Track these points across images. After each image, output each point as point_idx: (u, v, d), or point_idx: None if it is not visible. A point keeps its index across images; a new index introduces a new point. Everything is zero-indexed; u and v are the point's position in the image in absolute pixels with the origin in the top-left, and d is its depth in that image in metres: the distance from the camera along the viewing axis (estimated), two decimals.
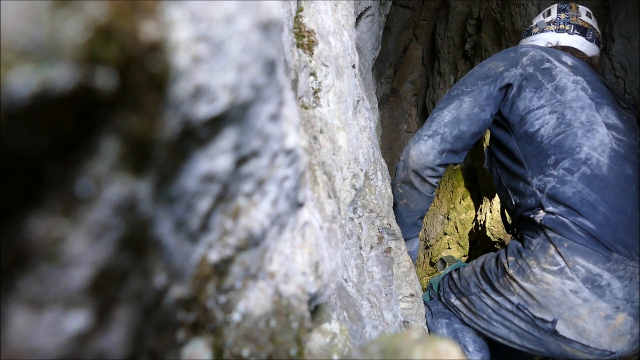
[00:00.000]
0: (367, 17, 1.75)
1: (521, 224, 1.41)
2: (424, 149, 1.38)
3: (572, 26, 1.58)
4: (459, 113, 1.38)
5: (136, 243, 0.23)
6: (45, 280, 0.19)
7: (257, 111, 0.30)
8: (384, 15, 2.18)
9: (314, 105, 0.74)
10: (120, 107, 0.20)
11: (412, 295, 1.25)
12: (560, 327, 1.20)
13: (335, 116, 0.77)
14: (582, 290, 1.16)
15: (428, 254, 2.97)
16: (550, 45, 1.57)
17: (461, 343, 1.46)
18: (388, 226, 1.11)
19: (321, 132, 0.71)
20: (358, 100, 0.97)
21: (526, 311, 1.25)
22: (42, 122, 0.18)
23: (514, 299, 1.27)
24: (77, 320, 0.20)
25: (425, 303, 1.56)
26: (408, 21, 3.31)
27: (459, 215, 2.86)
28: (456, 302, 1.48)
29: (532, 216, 1.29)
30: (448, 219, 2.96)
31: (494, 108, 1.39)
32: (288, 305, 0.37)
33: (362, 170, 0.90)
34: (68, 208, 0.20)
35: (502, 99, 1.39)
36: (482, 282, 1.39)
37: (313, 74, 0.74)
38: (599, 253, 1.16)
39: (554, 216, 1.22)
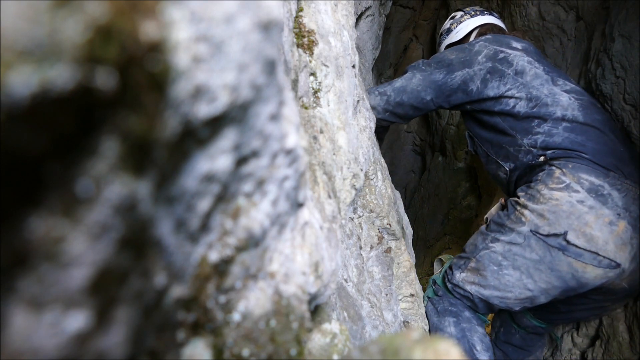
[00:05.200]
0: (367, 17, 1.75)
1: (521, 180, 1.53)
2: (372, 102, 1.58)
3: (479, 11, 1.91)
4: (407, 84, 1.58)
5: (136, 243, 0.23)
6: (45, 280, 0.19)
7: (257, 111, 0.30)
8: (384, 15, 2.18)
9: (314, 105, 0.74)
10: (120, 107, 0.20)
11: (412, 295, 1.25)
12: (571, 237, 1.30)
13: (335, 116, 0.77)
14: (587, 199, 1.30)
15: (428, 254, 2.97)
16: (475, 27, 1.83)
17: (469, 342, 1.46)
18: (388, 226, 1.11)
19: (321, 132, 0.71)
20: (358, 100, 0.97)
21: (538, 234, 1.34)
22: (42, 122, 0.18)
23: (525, 228, 1.36)
24: (77, 320, 0.20)
25: (429, 299, 1.56)
26: (408, 21, 3.31)
27: (459, 215, 2.86)
28: (462, 276, 1.49)
29: (533, 163, 1.44)
30: (448, 219, 2.96)
31: (435, 95, 1.57)
32: (288, 305, 0.37)
33: (362, 170, 0.90)
34: (68, 208, 0.20)
35: (449, 93, 1.57)
36: (490, 232, 1.46)
37: (313, 74, 0.74)
38: (599, 170, 1.33)
39: (554, 152, 1.40)
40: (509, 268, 1.39)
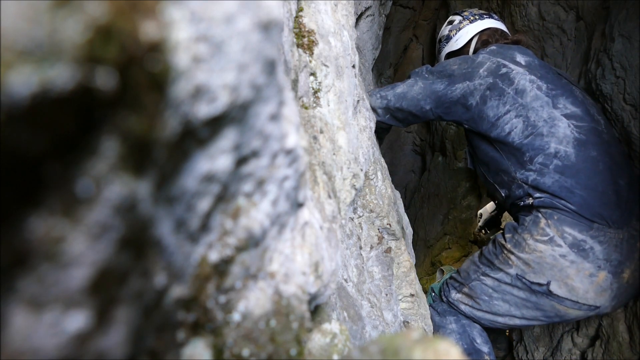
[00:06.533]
0: (367, 17, 1.75)
1: (513, 209, 1.59)
2: (373, 105, 1.60)
3: (478, 14, 1.84)
4: (408, 91, 1.58)
5: (136, 243, 0.23)
6: (45, 280, 0.19)
7: (257, 111, 0.30)
8: (384, 15, 2.17)
9: (314, 105, 0.74)
10: (120, 107, 0.20)
11: (412, 295, 1.25)
12: (554, 287, 1.39)
13: (335, 116, 0.77)
14: (569, 254, 1.37)
15: (428, 254, 2.96)
16: (475, 34, 1.79)
17: (470, 336, 1.59)
18: (388, 226, 1.11)
19: (321, 132, 0.71)
20: (358, 100, 0.97)
21: (524, 279, 1.43)
22: (42, 122, 0.18)
23: (512, 271, 1.45)
24: (77, 320, 0.20)
25: (430, 305, 1.67)
26: (408, 21, 3.31)
27: (459, 215, 2.86)
28: (457, 296, 1.61)
29: (522, 204, 1.49)
30: (448, 219, 2.95)
31: (435, 105, 1.56)
32: (288, 305, 0.37)
33: (362, 170, 0.90)
34: (68, 208, 0.20)
35: (449, 104, 1.55)
36: (481, 266, 1.55)
37: (313, 74, 0.74)
38: (583, 223, 1.37)
39: (542, 199, 1.43)
40: (499, 300, 1.51)
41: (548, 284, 1.40)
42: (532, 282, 1.42)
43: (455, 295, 1.61)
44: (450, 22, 1.92)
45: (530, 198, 1.46)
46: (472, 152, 1.69)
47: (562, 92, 1.48)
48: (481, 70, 1.52)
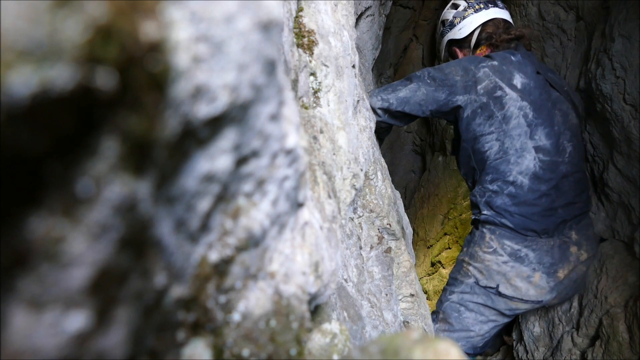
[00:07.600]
0: (367, 17, 1.75)
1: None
2: (374, 106, 1.69)
3: (483, 3, 1.87)
4: (411, 96, 1.66)
5: (136, 243, 0.23)
6: (45, 280, 0.19)
7: (257, 111, 0.30)
8: (384, 15, 2.17)
9: (314, 105, 0.74)
10: (121, 107, 0.20)
11: (412, 295, 1.25)
12: (502, 289, 1.70)
13: (335, 116, 0.77)
14: (509, 261, 1.68)
15: (428, 254, 2.97)
16: (479, 25, 1.83)
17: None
18: (388, 226, 1.11)
19: (321, 132, 0.71)
20: (358, 100, 0.97)
21: (479, 285, 1.73)
22: (42, 122, 0.18)
23: (470, 280, 1.75)
24: (77, 320, 0.20)
25: None
26: (408, 21, 3.31)
27: (459, 215, 2.86)
28: (435, 327, 1.83)
29: (474, 217, 1.79)
30: (448, 219, 2.95)
31: (435, 108, 1.69)
32: (288, 305, 0.37)
33: (362, 170, 0.90)
34: (68, 208, 0.20)
35: (448, 110, 1.69)
36: (448, 287, 1.82)
37: (313, 74, 0.74)
38: (518, 237, 1.67)
39: (487, 216, 1.72)
40: (466, 312, 1.77)
41: (497, 286, 1.70)
42: (486, 287, 1.73)
43: (434, 327, 1.78)
44: (455, 7, 1.90)
45: (479, 213, 1.73)
46: (456, 145, 1.83)
47: (542, 122, 1.63)
48: (479, 87, 1.61)
